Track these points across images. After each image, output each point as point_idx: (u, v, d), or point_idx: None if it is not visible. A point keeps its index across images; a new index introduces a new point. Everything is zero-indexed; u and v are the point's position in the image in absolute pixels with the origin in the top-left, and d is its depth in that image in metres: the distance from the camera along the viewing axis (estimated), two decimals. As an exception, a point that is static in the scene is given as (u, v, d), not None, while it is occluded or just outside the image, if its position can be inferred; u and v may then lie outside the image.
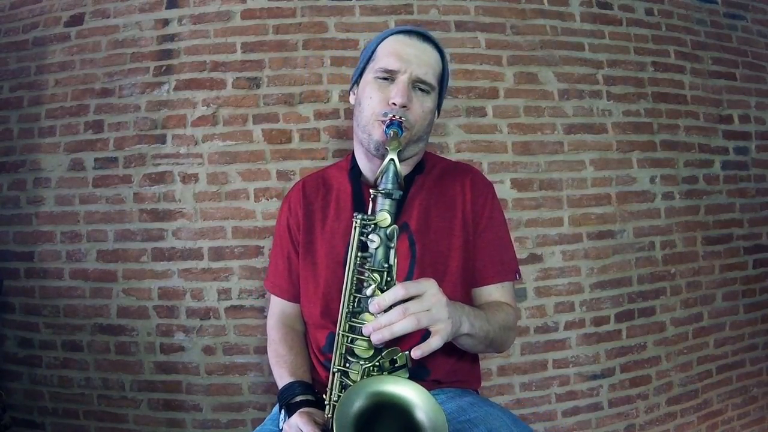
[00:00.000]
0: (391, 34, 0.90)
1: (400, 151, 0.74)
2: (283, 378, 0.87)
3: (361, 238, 0.74)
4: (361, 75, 0.93)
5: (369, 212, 0.75)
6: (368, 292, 0.71)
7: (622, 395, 1.52)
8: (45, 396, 1.44)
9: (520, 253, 1.48)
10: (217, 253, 1.42)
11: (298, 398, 0.81)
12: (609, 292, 1.53)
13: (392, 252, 0.72)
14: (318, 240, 0.94)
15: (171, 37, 1.48)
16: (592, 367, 1.50)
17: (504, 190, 1.49)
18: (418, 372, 0.83)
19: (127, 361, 1.42)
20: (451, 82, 1.48)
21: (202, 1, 1.48)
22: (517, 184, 1.50)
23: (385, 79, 0.86)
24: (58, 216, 1.46)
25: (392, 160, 0.73)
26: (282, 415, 0.81)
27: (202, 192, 1.43)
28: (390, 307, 0.65)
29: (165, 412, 1.41)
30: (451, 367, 0.90)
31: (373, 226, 0.73)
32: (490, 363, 1.45)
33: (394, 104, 0.83)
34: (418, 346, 0.65)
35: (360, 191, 0.93)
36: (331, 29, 1.48)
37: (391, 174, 0.73)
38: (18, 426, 1.44)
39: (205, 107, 1.45)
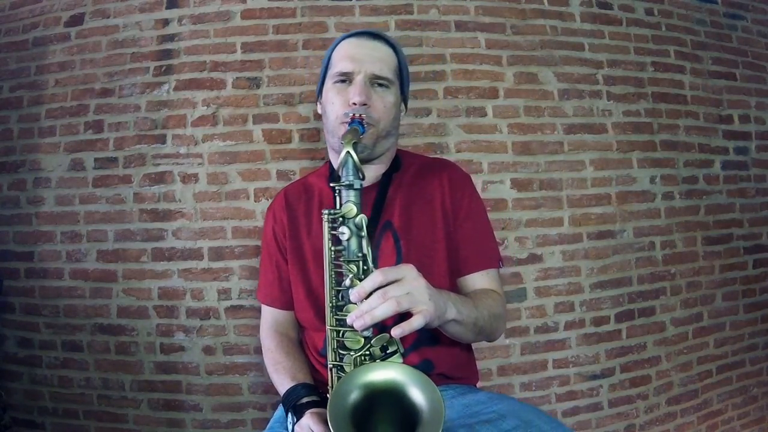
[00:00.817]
0: (343, 39, 0.93)
1: (356, 143, 0.76)
2: (284, 384, 0.88)
3: (332, 232, 0.75)
4: (323, 84, 0.96)
5: (336, 206, 0.77)
6: (347, 283, 0.72)
7: (622, 395, 1.52)
8: (45, 396, 1.44)
9: (521, 253, 1.48)
10: (217, 253, 1.42)
11: (304, 399, 0.81)
12: (609, 292, 1.53)
13: (364, 241, 0.73)
14: (305, 245, 0.95)
15: (171, 37, 1.48)
16: (592, 367, 1.50)
17: (504, 190, 1.49)
18: (423, 366, 0.83)
19: (127, 361, 1.42)
20: (451, 82, 1.49)
21: (202, 1, 1.48)
22: (517, 184, 1.50)
23: (343, 81, 0.89)
24: (58, 216, 1.46)
25: (348, 152, 0.74)
26: (290, 418, 0.81)
27: (202, 192, 1.43)
28: (370, 294, 0.66)
29: (165, 412, 1.41)
30: (453, 360, 0.91)
31: (341, 218, 0.74)
32: (490, 363, 1.45)
33: (354, 104, 0.86)
34: (398, 325, 0.65)
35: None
36: (331, 29, 1.48)
37: (350, 166, 0.74)
38: (18, 426, 1.44)
39: (205, 107, 1.45)
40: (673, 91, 1.65)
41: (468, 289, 0.93)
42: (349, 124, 0.83)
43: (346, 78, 0.89)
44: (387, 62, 0.90)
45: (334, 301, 0.75)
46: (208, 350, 1.41)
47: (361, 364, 0.69)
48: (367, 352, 0.70)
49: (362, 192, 0.75)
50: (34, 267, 1.46)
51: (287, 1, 1.48)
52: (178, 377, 1.41)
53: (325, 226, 0.76)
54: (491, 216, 1.45)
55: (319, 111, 0.98)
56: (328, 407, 0.61)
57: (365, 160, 0.91)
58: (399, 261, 0.88)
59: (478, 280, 0.93)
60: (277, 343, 0.97)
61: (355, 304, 0.68)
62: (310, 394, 0.83)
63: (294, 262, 0.95)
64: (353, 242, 0.72)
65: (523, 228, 1.49)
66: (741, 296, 1.68)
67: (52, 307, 1.45)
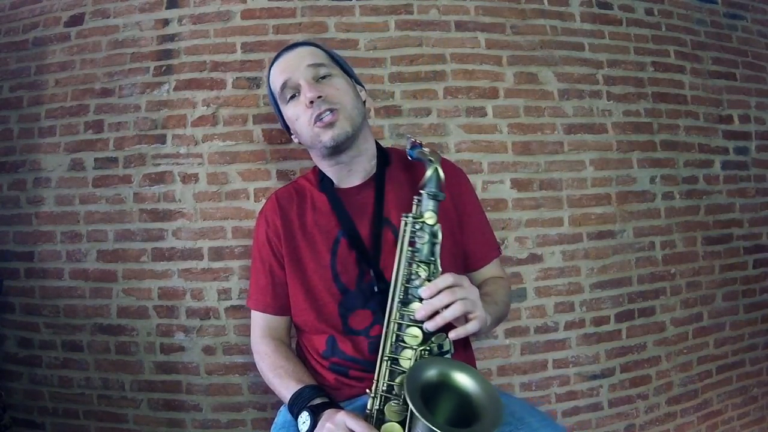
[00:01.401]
0: (270, 67, 0.99)
1: (442, 160, 0.86)
2: (289, 387, 0.87)
3: (411, 235, 0.82)
4: (283, 118, 1.00)
5: (414, 212, 0.83)
6: (417, 282, 0.78)
7: (622, 395, 1.52)
8: (45, 396, 1.44)
9: (521, 253, 1.48)
10: (217, 253, 1.42)
11: (318, 400, 0.81)
12: (609, 292, 1.53)
13: (437, 247, 0.80)
14: (301, 247, 0.95)
15: (171, 37, 1.48)
16: (592, 367, 1.50)
17: (504, 190, 1.49)
18: None
19: (127, 361, 1.42)
20: (451, 82, 1.49)
21: (202, 1, 1.48)
22: (517, 184, 1.50)
23: (292, 97, 0.93)
24: (58, 216, 1.46)
25: (436, 168, 0.81)
26: (305, 418, 0.79)
27: (202, 192, 1.43)
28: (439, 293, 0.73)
29: (165, 412, 1.41)
30: (456, 356, 0.91)
31: (421, 224, 0.81)
32: (490, 363, 1.45)
33: (311, 102, 0.88)
34: (455, 330, 0.73)
35: (336, 198, 0.96)
36: (331, 29, 1.48)
37: (434, 180, 0.82)
38: (18, 426, 1.44)
39: (205, 107, 1.45)
40: (673, 91, 1.65)
41: (479, 280, 0.98)
42: (411, 148, 0.88)
43: (290, 90, 0.92)
44: (312, 54, 0.95)
45: (401, 296, 0.79)
46: (208, 350, 1.41)
47: (422, 357, 0.75)
48: (428, 348, 0.76)
49: (440, 204, 0.82)
50: (34, 267, 1.46)
51: (287, 1, 1.48)
52: (178, 377, 1.41)
53: (407, 228, 0.82)
54: (491, 216, 1.46)
55: (296, 140, 1.02)
56: (406, 377, 0.68)
57: (348, 147, 0.93)
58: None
59: (488, 271, 1.00)
60: (274, 348, 0.96)
61: (420, 302, 0.76)
62: (321, 395, 0.82)
63: (291, 265, 0.95)
64: (427, 247, 0.80)
65: (523, 228, 1.49)
66: (741, 296, 1.68)
67: (52, 307, 1.45)
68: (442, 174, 0.81)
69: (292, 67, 0.92)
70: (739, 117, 1.73)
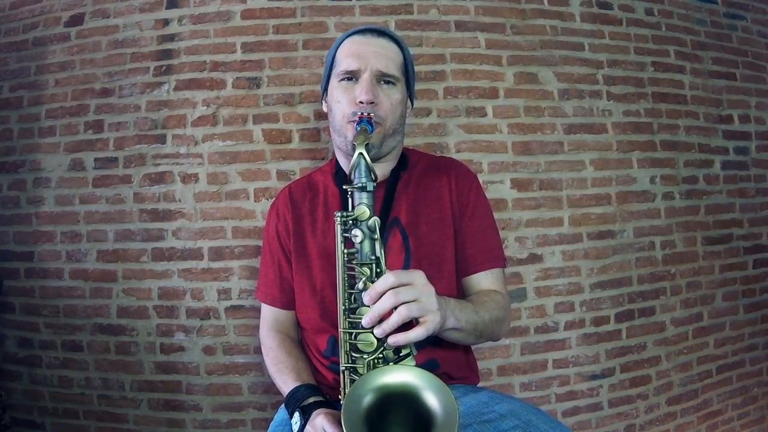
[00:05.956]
0: (347, 37, 0.92)
1: (368, 144, 0.75)
2: (287, 383, 0.87)
3: (345, 234, 0.75)
4: (328, 82, 0.95)
5: (349, 209, 0.76)
6: (360, 285, 0.71)
7: (622, 395, 1.52)
8: (45, 396, 1.44)
9: (521, 253, 1.48)
10: (217, 253, 1.42)
11: (311, 399, 0.81)
12: (609, 292, 1.53)
13: (377, 244, 0.72)
14: (309, 243, 0.94)
15: (171, 37, 1.48)
16: (592, 367, 1.50)
17: (504, 190, 1.49)
18: (428, 365, 0.83)
19: (127, 361, 1.42)
20: (451, 82, 1.49)
21: (202, 1, 1.48)
22: (517, 184, 1.50)
23: (349, 79, 0.88)
24: (58, 216, 1.46)
25: (361, 153, 0.73)
26: (296, 418, 0.80)
27: (202, 192, 1.43)
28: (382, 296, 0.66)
29: (165, 412, 1.41)
30: (456, 361, 0.91)
31: (354, 221, 0.73)
32: (490, 363, 1.45)
33: (361, 102, 0.85)
34: (396, 335, 0.66)
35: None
36: (331, 29, 1.48)
37: (362, 168, 0.73)
38: (18, 426, 1.44)
39: (205, 107, 1.45)
40: (673, 91, 1.65)
41: (473, 289, 0.92)
42: (357, 123, 0.82)
43: (352, 76, 0.88)
44: (393, 59, 0.90)
45: (346, 303, 0.74)
46: (208, 350, 1.41)
47: (375, 366, 0.69)
48: (381, 355, 0.70)
49: (375, 193, 0.74)
50: (34, 267, 1.46)
51: (287, 1, 1.48)
52: (178, 377, 1.41)
53: (338, 228, 0.75)
54: (491, 216, 1.47)
55: (325, 109, 0.97)
56: (342, 410, 0.61)
57: (372, 159, 0.89)
58: (407, 258, 0.88)
59: (483, 280, 0.92)
60: (279, 342, 0.96)
61: (368, 306, 0.68)
62: (315, 394, 0.82)
63: (298, 262, 0.95)
64: (366, 245, 0.72)
65: (523, 228, 1.49)
66: (741, 296, 1.68)
67: (52, 307, 1.45)
68: (368, 159, 0.73)
69: (366, 59, 0.87)
70: (739, 117, 1.73)
